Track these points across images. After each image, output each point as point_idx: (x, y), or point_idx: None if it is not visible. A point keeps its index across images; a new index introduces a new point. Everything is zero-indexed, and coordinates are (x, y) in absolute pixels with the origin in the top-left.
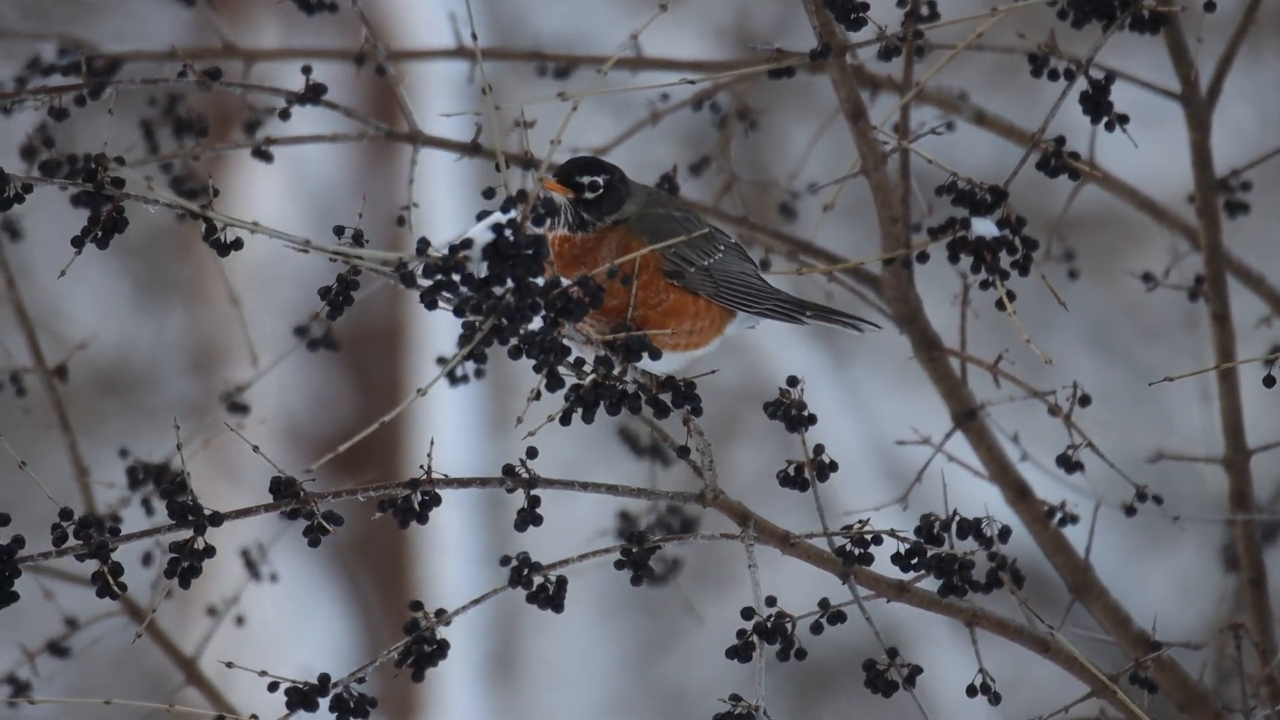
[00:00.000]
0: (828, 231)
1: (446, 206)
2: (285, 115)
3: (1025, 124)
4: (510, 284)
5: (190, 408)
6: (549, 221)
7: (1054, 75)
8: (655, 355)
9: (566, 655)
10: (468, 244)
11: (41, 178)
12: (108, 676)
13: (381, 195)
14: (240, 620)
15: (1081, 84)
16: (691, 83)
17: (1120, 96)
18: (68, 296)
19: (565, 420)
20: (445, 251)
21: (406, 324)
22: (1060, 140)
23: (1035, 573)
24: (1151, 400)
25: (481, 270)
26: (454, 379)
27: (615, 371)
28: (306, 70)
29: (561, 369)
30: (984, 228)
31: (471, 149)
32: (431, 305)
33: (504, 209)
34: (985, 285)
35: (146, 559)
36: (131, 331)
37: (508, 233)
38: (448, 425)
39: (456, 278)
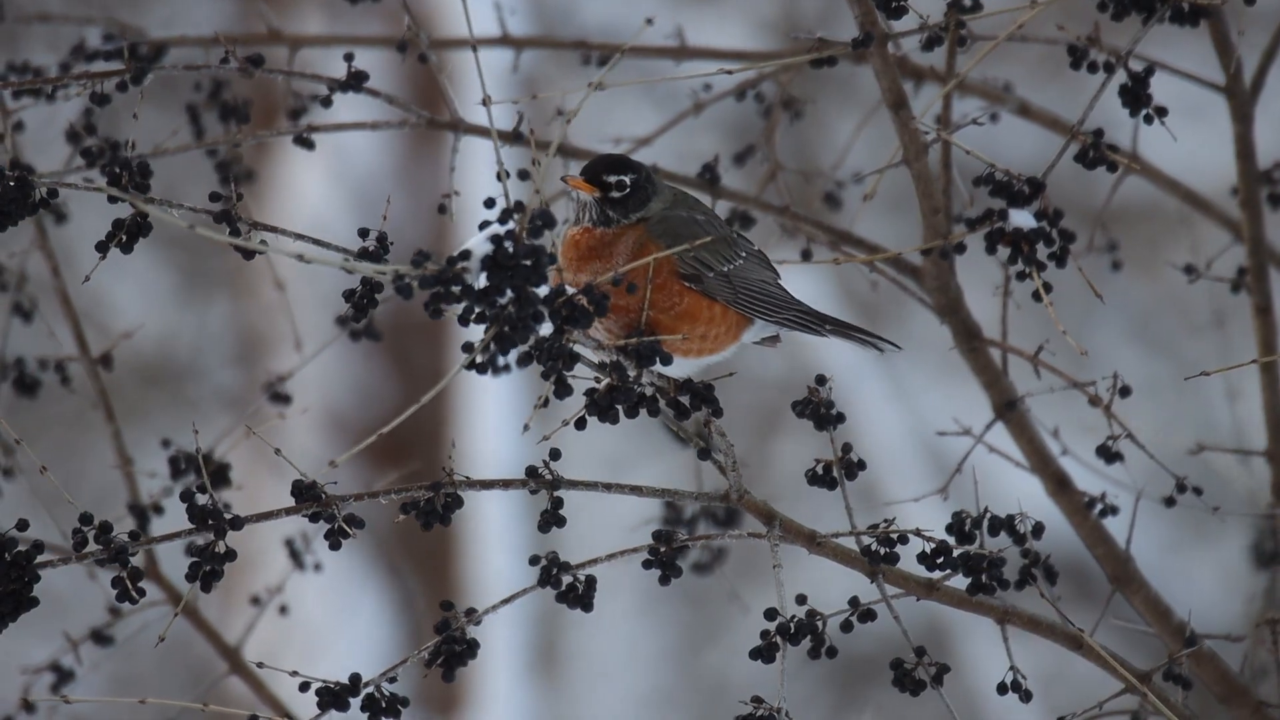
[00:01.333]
0: (871, 222)
1: (490, 193)
2: (328, 102)
3: (1071, 117)
4: (510, 294)
5: (233, 398)
6: (574, 217)
7: (1093, 68)
8: (666, 360)
9: (609, 647)
10: (466, 255)
11: (67, 183)
12: (152, 664)
13: (425, 182)
14: (284, 609)
15: (1121, 76)
16: (729, 73)
17: (1163, 88)
18: (111, 287)
19: (580, 425)
20: (442, 264)
21: (449, 316)
22: (1099, 132)
23: (1077, 563)
24: (1194, 394)
25: (480, 281)
26: (495, 369)
27: (630, 376)
28: (349, 57)
29: (576, 374)
30: (1021, 219)
31: (513, 137)
32: (435, 315)
33: (502, 220)
34: (1022, 277)
35: (189, 548)
36: (175, 322)
37: (506, 244)
38: (491, 415)
39: (455, 289)
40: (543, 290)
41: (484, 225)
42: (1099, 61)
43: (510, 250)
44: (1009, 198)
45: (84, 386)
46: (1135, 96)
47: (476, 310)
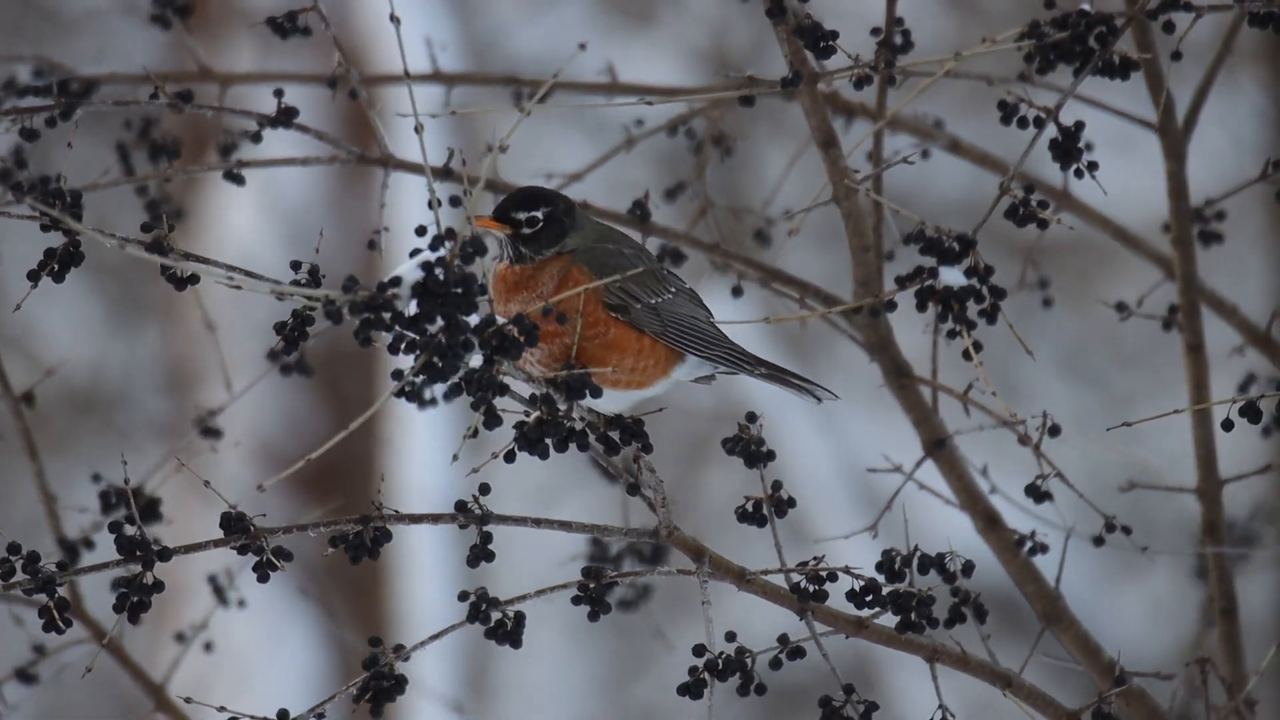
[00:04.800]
0: (802, 255)
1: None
2: (257, 138)
3: (1001, 148)
4: (440, 322)
5: (164, 427)
6: (490, 255)
7: (1024, 123)
8: (596, 393)
9: (538, 678)
10: (396, 282)
11: (3, 208)
12: (80, 702)
13: (356, 215)
14: (208, 646)
15: (1051, 131)
16: (650, 104)
17: (1094, 121)
18: (41, 316)
19: (510, 458)
20: (373, 290)
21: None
22: (1029, 189)
23: (1007, 599)
24: (1125, 428)
25: (411, 308)
26: (420, 402)
27: (560, 410)
28: (279, 93)
29: (506, 407)
30: (952, 277)
31: (444, 173)
32: (365, 342)
33: (433, 247)
34: (952, 335)
35: (115, 583)
36: (105, 351)
37: (437, 271)
38: (421, 445)
39: (386, 316)
40: (473, 319)
41: (415, 252)
42: (1029, 117)
43: (441, 277)
44: (939, 255)
45: (7, 424)
46: (1066, 151)
47: (407, 338)
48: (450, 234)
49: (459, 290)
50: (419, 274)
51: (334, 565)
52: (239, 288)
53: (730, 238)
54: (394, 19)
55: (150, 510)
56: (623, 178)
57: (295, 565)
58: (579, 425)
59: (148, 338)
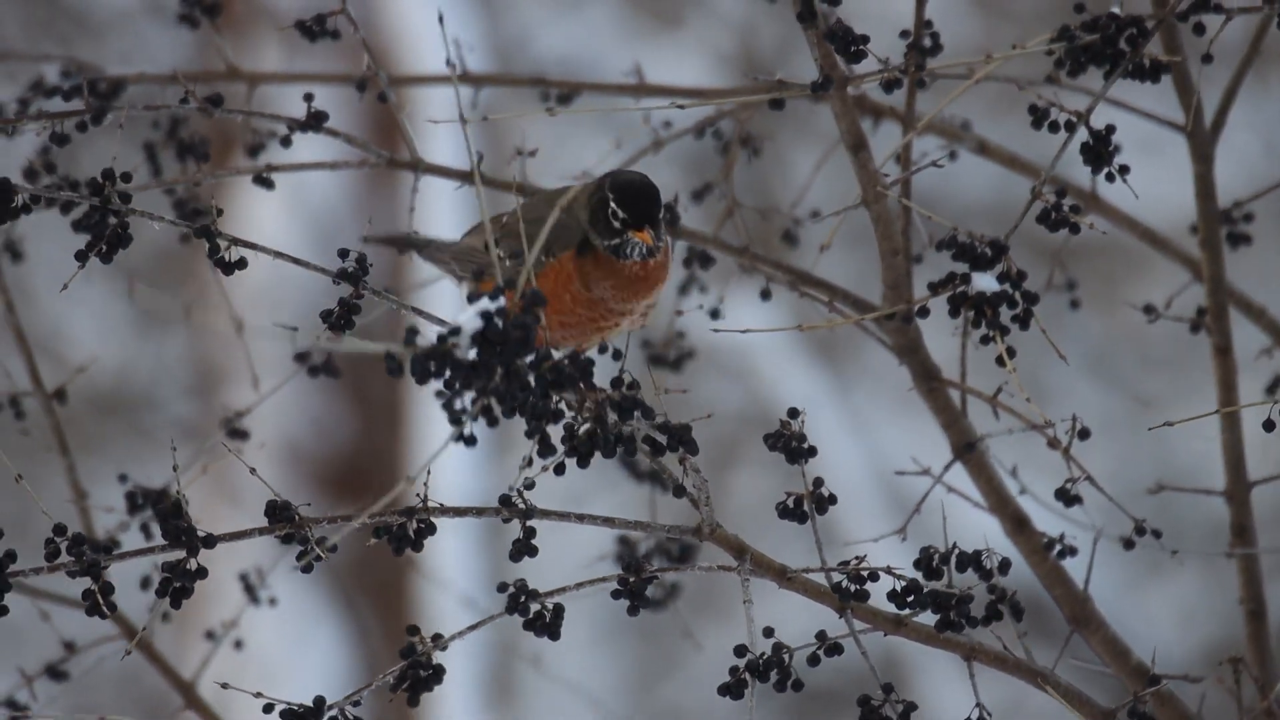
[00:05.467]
0: (829, 255)
1: (450, 226)
2: (287, 143)
3: (1029, 149)
4: (500, 371)
5: (190, 430)
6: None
7: (1054, 127)
8: (649, 414)
9: (569, 675)
10: (456, 331)
11: (49, 192)
12: (108, 700)
13: (383, 215)
14: (239, 644)
15: (1082, 134)
16: (682, 107)
17: (1122, 122)
18: (69, 319)
19: (559, 471)
20: (434, 341)
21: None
22: (1061, 193)
23: (1035, 601)
24: (1155, 429)
25: (470, 354)
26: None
27: (610, 424)
28: (308, 97)
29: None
30: (984, 283)
31: (470, 177)
32: (423, 381)
33: (492, 296)
34: (985, 340)
35: (145, 583)
36: (132, 353)
37: (497, 320)
38: (450, 447)
39: (445, 366)
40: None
41: (472, 298)
42: (1060, 121)
43: (501, 327)
44: (971, 261)
45: (38, 421)
46: (1097, 155)
47: (463, 383)
48: (510, 284)
49: (519, 338)
50: (478, 323)
51: (360, 569)
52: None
53: (757, 239)
54: (440, 19)
55: (178, 510)
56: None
57: (321, 568)
58: (628, 433)
59: (174, 341)
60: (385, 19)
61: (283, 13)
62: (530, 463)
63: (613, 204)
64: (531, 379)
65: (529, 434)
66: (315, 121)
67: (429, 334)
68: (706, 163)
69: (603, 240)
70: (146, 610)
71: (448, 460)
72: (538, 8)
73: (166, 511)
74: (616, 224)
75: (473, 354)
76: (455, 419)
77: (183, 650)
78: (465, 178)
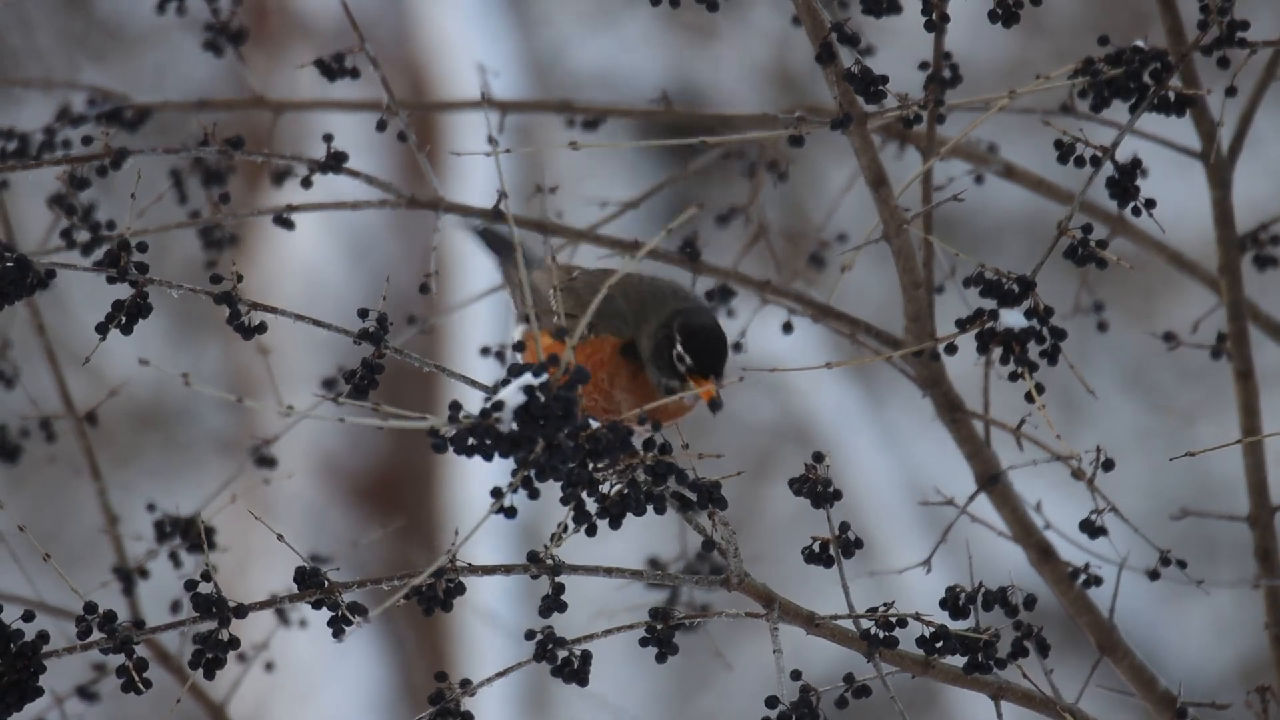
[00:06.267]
0: (855, 279)
1: (481, 254)
2: (307, 184)
3: (1058, 171)
4: (541, 445)
5: (225, 444)
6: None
7: (1080, 162)
8: (683, 479)
9: (601, 689)
10: (499, 406)
11: (66, 264)
12: (140, 718)
13: (417, 230)
14: (269, 666)
15: (1108, 169)
16: (705, 144)
17: (1146, 146)
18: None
19: (591, 532)
20: (476, 417)
21: (441, 361)
22: (1087, 229)
23: (1062, 623)
24: (1185, 444)
25: (511, 427)
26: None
27: (644, 489)
28: (328, 138)
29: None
30: (1012, 319)
31: (493, 214)
32: (469, 456)
33: (535, 372)
34: (1014, 377)
35: (175, 606)
36: (169, 367)
37: (539, 395)
38: (483, 465)
39: (486, 441)
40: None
41: (516, 370)
42: (1085, 156)
43: (543, 402)
44: (999, 297)
45: (72, 441)
46: (1123, 190)
47: (502, 453)
48: (554, 360)
49: (561, 414)
50: (521, 398)
51: (391, 597)
52: (337, 400)
53: (786, 262)
54: (484, 98)
55: (207, 539)
56: (680, 197)
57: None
58: (658, 491)
59: (210, 353)
60: (418, 35)
61: (318, 28)
62: (566, 529)
63: (679, 347)
64: (570, 449)
65: (564, 501)
66: (335, 162)
67: (472, 405)
68: (734, 184)
69: (660, 377)
70: (178, 635)
71: (478, 477)
72: (572, 23)
73: (196, 582)
74: (681, 368)
75: (514, 427)
76: (496, 492)
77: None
78: (487, 215)
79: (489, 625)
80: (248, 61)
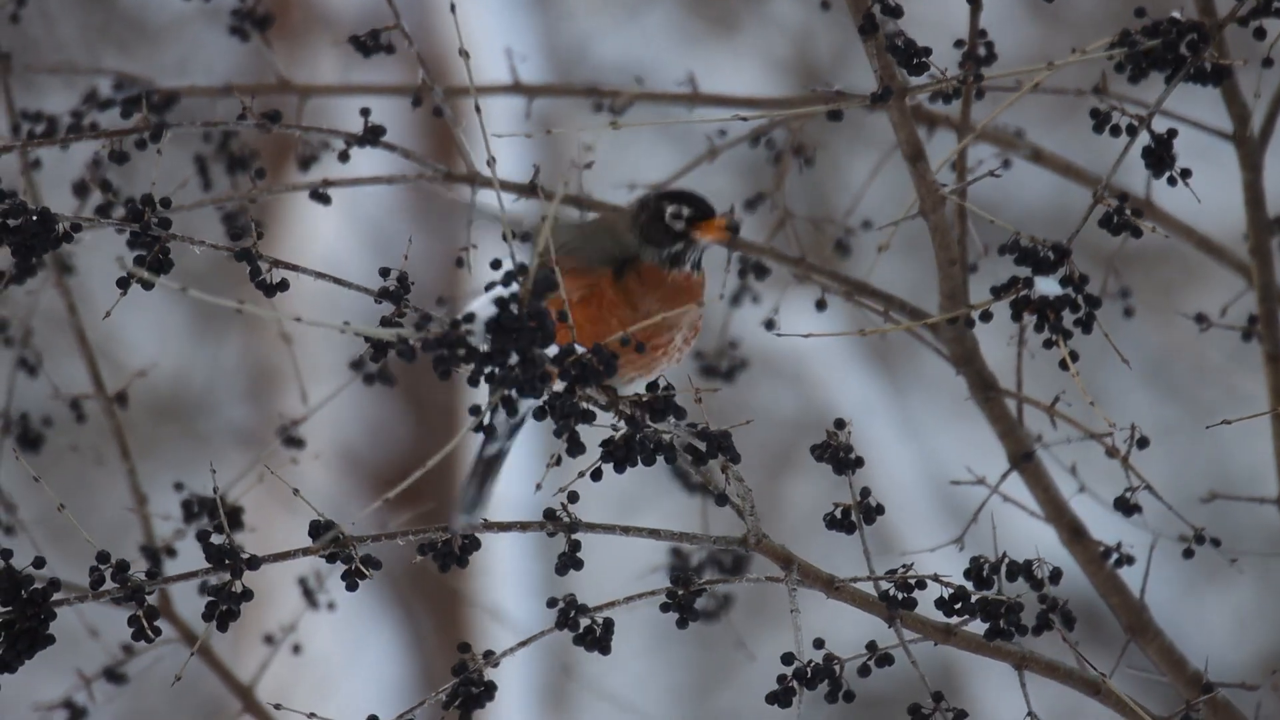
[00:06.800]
0: (883, 264)
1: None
2: (345, 158)
3: (1084, 158)
4: (515, 357)
5: (247, 434)
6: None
7: (1116, 131)
8: (681, 415)
9: (620, 684)
10: (470, 318)
11: (89, 218)
12: (165, 701)
13: (440, 220)
14: (297, 649)
15: (1144, 138)
16: (744, 119)
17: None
18: (125, 323)
19: (596, 476)
20: (445, 328)
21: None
22: (1123, 196)
23: (1090, 609)
24: (1209, 436)
25: (485, 344)
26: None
27: (646, 427)
28: (365, 112)
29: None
30: (1047, 286)
31: (529, 190)
32: (444, 376)
33: (505, 282)
34: (1049, 344)
35: (203, 587)
36: (189, 358)
37: (511, 307)
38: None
39: (460, 352)
40: (552, 350)
41: (489, 287)
42: (1122, 125)
43: (514, 312)
44: (1034, 265)
45: (96, 424)
46: (1159, 159)
47: (485, 372)
48: (523, 269)
49: (533, 325)
50: (493, 310)
51: (416, 572)
52: (299, 320)
53: (810, 247)
54: (463, 53)
55: (233, 519)
56: (705, 187)
57: (379, 572)
58: (666, 439)
59: (231, 345)
60: (440, 26)
61: (340, 21)
62: (559, 460)
63: (670, 209)
64: (543, 358)
65: (557, 433)
66: (373, 135)
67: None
68: (760, 171)
69: (661, 250)
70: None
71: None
72: (595, 15)
73: (209, 532)
74: (680, 225)
75: (487, 342)
76: (474, 409)
77: (241, 652)
78: (523, 191)
79: (503, 622)
80: (267, 58)
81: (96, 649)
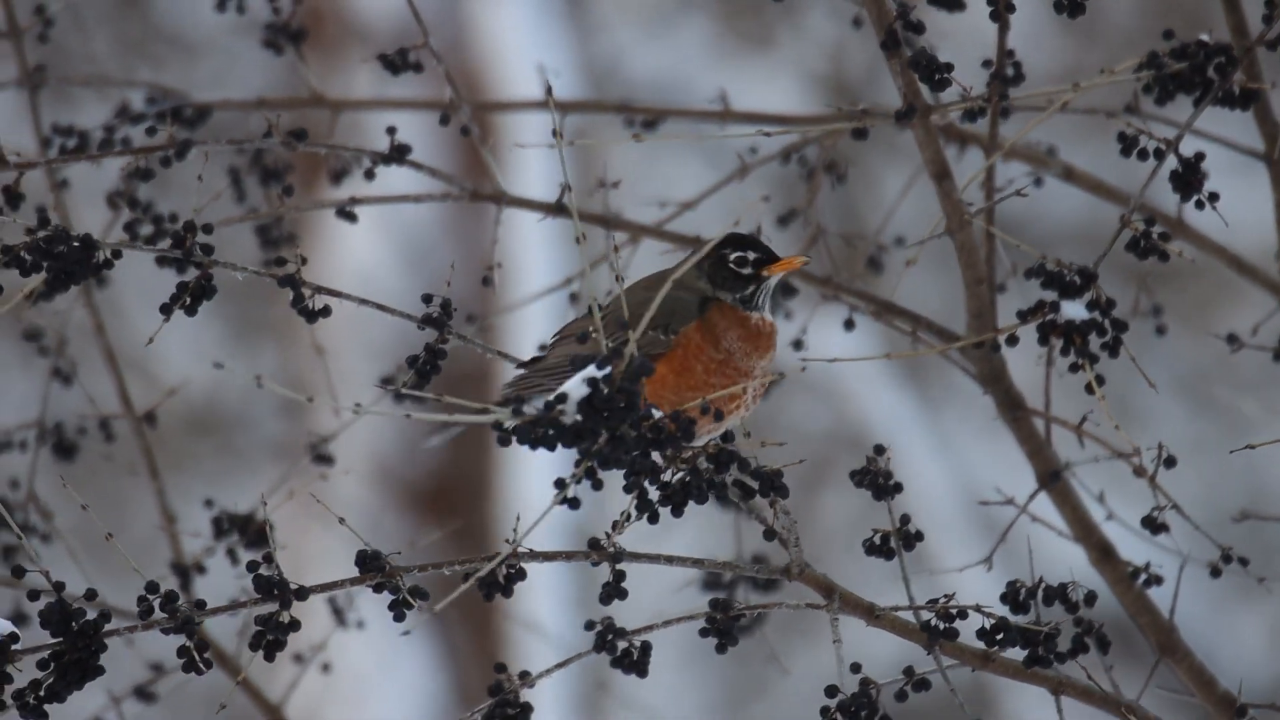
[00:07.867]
0: (913, 280)
1: (539, 254)
2: (370, 175)
3: (1116, 173)
4: (604, 436)
5: (281, 448)
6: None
7: (1144, 155)
8: (745, 467)
9: (654, 697)
10: (562, 399)
11: (130, 243)
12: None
13: (472, 235)
14: (326, 668)
15: (1171, 162)
16: (769, 134)
17: (1208, 148)
18: (160, 337)
19: (654, 520)
20: (540, 410)
21: (496, 367)
22: (1150, 221)
23: (1120, 627)
24: (1242, 452)
25: (575, 418)
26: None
27: (705, 474)
28: (391, 131)
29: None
30: (1074, 311)
31: (555, 209)
32: (504, 444)
33: (599, 365)
34: (1075, 368)
35: (232, 605)
36: (223, 372)
37: (603, 387)
38: (539, 465)
39: (550, 433)
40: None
41: (578, 363)
42: (1149, 149)
43: (606, 393)
44: (1060, 289)
45: (128, 442)
46: (1186, 183)
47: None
48: (617, 353)
49: (624, 405)
50: (584, 390)
51: (449, 588)
52: (393, 391)
53: (843, 265)
54: (556, 134)
55: (264, 536)
56: (738, 204)
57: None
58: (719, 480)
59: (265, 359)
60: (473, 41)
61: (374, 33)
62: (629, 518)
63: (735, 255)
64: (632, 439)
65: (627, 489)
66: (399, 154)
67: (536, 402)
68: (792, 187)
69: (733, 294)
70: (235, 635)
71: (535, 479)
72: (629, 30)
73: (258, 564)
74: (747, 270)
75: (578, 419)
76: (560, 483)
77: (270, 669)
78: (550, 210)
79: (540, 636)
80: (300, 73)
81: (126, 665)
